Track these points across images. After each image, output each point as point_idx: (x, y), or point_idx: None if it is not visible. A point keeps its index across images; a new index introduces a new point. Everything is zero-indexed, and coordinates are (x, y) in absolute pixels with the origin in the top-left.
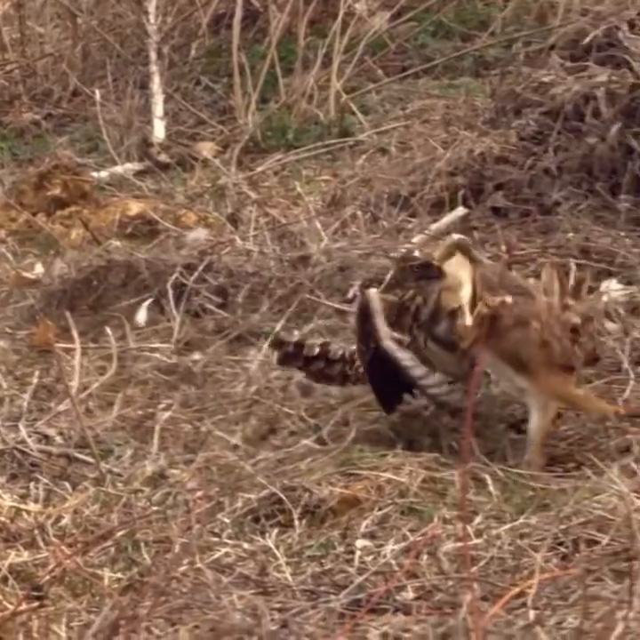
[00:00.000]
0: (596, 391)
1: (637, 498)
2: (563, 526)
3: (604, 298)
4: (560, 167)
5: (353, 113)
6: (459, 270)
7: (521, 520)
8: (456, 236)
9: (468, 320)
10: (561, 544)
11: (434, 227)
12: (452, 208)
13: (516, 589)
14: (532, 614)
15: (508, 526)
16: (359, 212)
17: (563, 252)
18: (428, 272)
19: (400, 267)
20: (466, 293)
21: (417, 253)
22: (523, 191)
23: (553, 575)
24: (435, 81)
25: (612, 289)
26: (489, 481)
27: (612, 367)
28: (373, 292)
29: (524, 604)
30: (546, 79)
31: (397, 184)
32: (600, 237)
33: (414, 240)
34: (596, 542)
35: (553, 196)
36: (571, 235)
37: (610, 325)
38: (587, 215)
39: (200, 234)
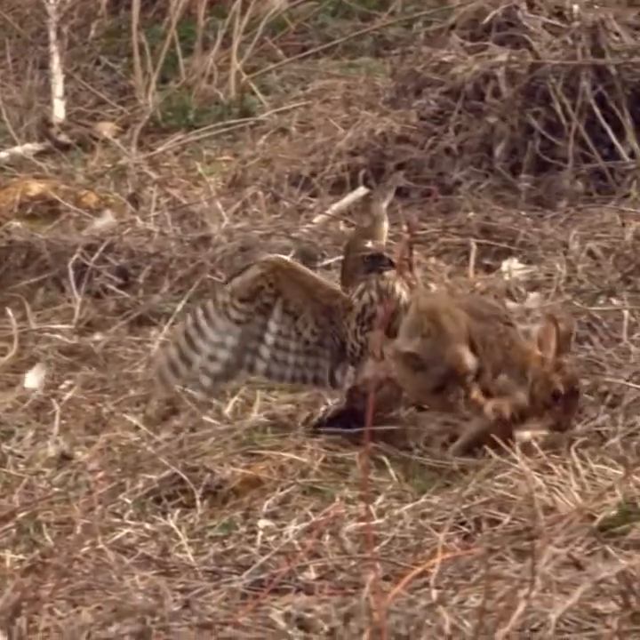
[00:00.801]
0: None
1: (539, 477)
2: (465, 506)
3: (505, 277)
4: (460, 147)
5: (253, 93)
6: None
7: (423, 500)
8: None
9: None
10: (463, 523)
11: (335, 206)
12: (353, 188)
13: (419, 569)
14: (434, 594)
15: (409, 506)
16: (260, 193)
17: (463, 232)
18: (380, 263)
19: (352, 257)
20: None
21: (369, 244)
22: (423, 171)
23: (455, 554)
24: (335, 61)
25: (513, 268)
26: (388, 462)
27: None
28: None
29: (426, 584)
30: (446, 59)
31: (298, 164)
32: (501, 217)
33: (315, 220)
34: (498, 522)
35: (453, 176)
36: (471, 214)
37: (511, 304)
38: (487, 194)
39: (108, 219)
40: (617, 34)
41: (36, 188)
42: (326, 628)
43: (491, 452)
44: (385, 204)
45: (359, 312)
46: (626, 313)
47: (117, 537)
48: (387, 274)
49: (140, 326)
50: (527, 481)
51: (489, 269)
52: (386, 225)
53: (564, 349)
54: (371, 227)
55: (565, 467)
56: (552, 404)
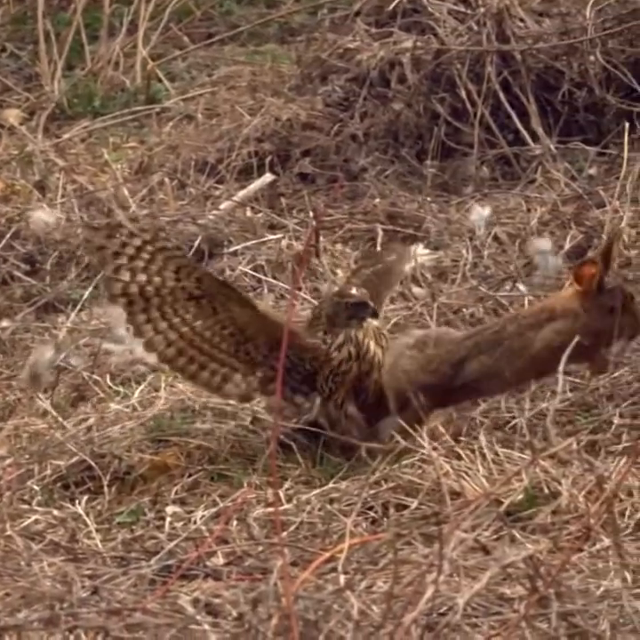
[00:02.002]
0: None
1: (446, 462)
2: (372, 491)
3: (412, 263)
4: (366, 133)
5: (159, 80)
6: None
7: (330, 485)
8: None
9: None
10: (370, 509)
11: (241, 193)
12: (260, 175)
13: (326, 554)
14: (342, 579)
15: (317, 491)
16: (166, 179)
17: (370, 218)
18: (362, 311)
19: (334, 302)
20: None
21: (354, 291)
22: (329, 157)
23: (363, 540)
24: (241, 48)
25: (419, 254)
26: (295, 448)
27: None
28: None
29: (334, 569)
30: (351, 45)
31: (204, 151)
32: (407, 203)
33: (222, 207)
34: (406, 507)
35: (359, 162)
36: (377, 200)
37: (417, 290)
38: (393, 181)
39: (46, 217)
40: (522, 20)
41: None
42: (234, 613)
43: (398, 437)
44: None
45: (335, 365)
46: (526, 299)
47: (25, 523)
48: (365, 325)
49: (47, 313)
50: (434, 466)
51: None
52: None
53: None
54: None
55: (472, 452)
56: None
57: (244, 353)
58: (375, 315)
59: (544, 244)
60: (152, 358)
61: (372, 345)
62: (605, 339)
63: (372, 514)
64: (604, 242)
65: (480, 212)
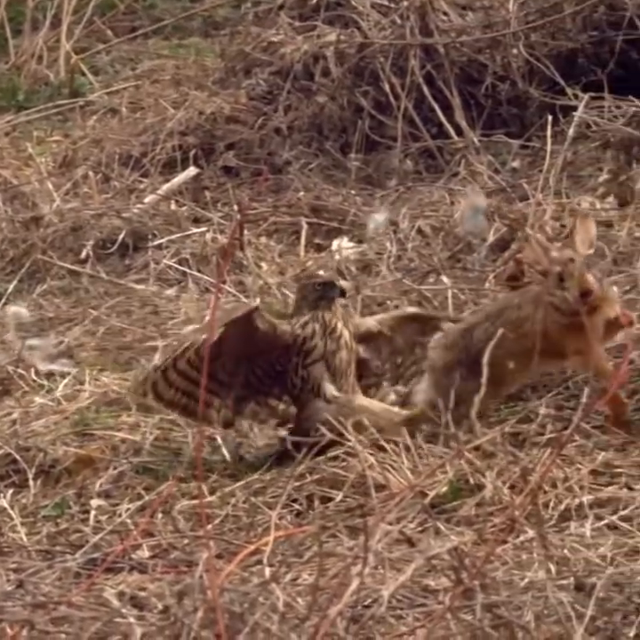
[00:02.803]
0: None
1: (371, 455)
2: (297, 484)
3: (336, 256)
4: (290, 126)
5: (83, 74)
6: None
7: (255, 477)
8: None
9: None
10: (295, 501)
11: (165, 187)
12: (184, 168)
13: (252, 547)
14: (267, 571)
15: (242, 484)
16: (91, 173)
17: (294, 211)
18: (331, 291)
19: (302, 284)
20: None
21: (321, 272)
22: (254, 151)
23: (288, 532)
24: (164, 41)
25: (344, 247)
26: (220, 441)
27: None
28: None
29: (259, 562)
30: (275, 39)
31: (129, 144)
32: (331, 196)
33: (146, 200)
34: (330, 499)
35: (284, 156)
36: (302, 193)
37: (342, 283)
38: (317, 174)
39: None
40: (445, 13)
41: None
42: (160, 606)
43: (323, 430)
44: None
45: (300, 344)
46: (449, 292)
47: None
48: (334, 308)
49: None
50: (359, 459)
51: (320, 248)
52: None
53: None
54: None
55: (397, 444)
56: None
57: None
58: (343, 294)
59: (480, 200)
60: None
61: (340, 325)
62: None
63: (296, 506)
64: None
65: (376, 219)
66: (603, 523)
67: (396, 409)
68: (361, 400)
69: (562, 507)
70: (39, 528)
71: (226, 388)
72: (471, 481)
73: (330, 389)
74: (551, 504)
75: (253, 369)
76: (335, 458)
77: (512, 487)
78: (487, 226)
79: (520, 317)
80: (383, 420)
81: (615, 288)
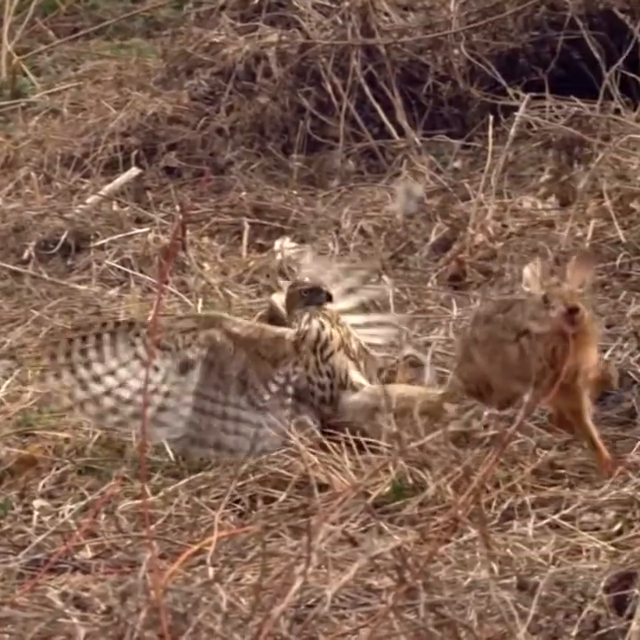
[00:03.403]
0: None
1: (314, 454)
2: (240, 483)
3: (278, 256)
4: (232, 127)
5: (25, 74)
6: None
7: (198, 476)
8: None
9: None
10: (238, 501)
11: (107, 187)
12: (126, 168)
13: (195, 547)
14: (210, 571)
15: (184, 483)
16: (33, 174)
17: (236, 211)
18: (317, 297)
19: (289, 292)
20: None
21: (306, 279)
22: (196, 151)
23: (231, 532)
24: (106, 42)
25: (286, 247)
26: (164, 441)
27: None
28: None
29: (202, 562)
30: (217, 39)
31: (70, 145)
32: (273, 196)
33: (88, 201)
34: (274, 499)
35: (226, 156)
36: (244, 194)
37: (284, 283)
38: (259, 174)
39: None
40: (386, 14)
41: None
42: (103, 606)
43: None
44: None
45: (314, 338)
46: (391, 291)
47: None
48: (320, 311)
49: None
50: (302, 458)
51: (262, 249)
52: None
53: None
54: None
55: (340, 444)
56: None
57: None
58: (330, 299)
59: (417, 189)
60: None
61: (328, 326)
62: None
63: (239, 506)
64: None
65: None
66: (545, 522)
67: (431, 390)
68: (395, 387)
69: (504, 506)
70: None
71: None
72: (414, 481)
73: (357, 378)
74: (494, 503)
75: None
76: (278, 457)
77: (455, 487)
78: (415, 210)
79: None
80: (422, 402)
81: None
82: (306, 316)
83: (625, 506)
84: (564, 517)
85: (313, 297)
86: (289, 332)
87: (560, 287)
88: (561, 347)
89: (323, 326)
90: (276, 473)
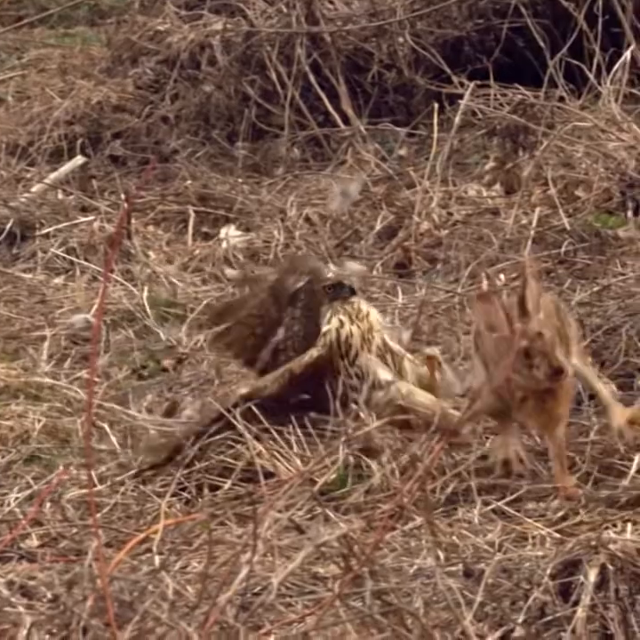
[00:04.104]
0: None
1: (260, 443)
2: (186, 472)
3: (223, 244)
4: (177, 115)
5: None
6: None
7: (147, 462)
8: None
9: None
10: (184, 489)
11: (53, 176)
12: (71, 157)
13: (141, 535)
14: (157, 559)
15: (131, 472)
16: None
17: (181, 200)
18: (340, 291)
19: (316, 291)
20: None
21: (329, 274)
22: (141, 139)
23: (177, 520)
24: (50, 30)
25: (231, 235)
26: (108, 429)
27: None
28: None
29: (149, 550)
30: (161, 28)
31: (15, 134)
32: (218, 184)
33: (33, 189)
34: (219, 487)
35: (171, 144)
36: (189, 182)
37: (229, 271)
38: (204, 162)
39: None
40: (331, 2)
41: None
42: (49, 595)
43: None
44: None
45: (333, 338)
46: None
47: None
48: (348, 305)
49: None
50: (248, 446)
51: (207, 237)
52: None
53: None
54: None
55: (287, 432)
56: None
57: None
58: (353, 292)
59: (353, 187)
60: None
61: (364, 306)
62: None
63: (185, 495)
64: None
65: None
66: (491, 508)
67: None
68: (418, 393)
69: (449, 492)
70: None
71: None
72: (360, 468)
73: (384, 375)
74: (439, 490)
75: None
76: (224, 446)
77: (401, 474)
78: (346, 210)
79: None
80: (441, 419)
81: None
82: (328, 315)
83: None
84: (510, 504)
85: (337, 292)
86: (313, 351)
87: (542, 340)
88: (537, 401)
89: (342, 324)
90: (221, 461)
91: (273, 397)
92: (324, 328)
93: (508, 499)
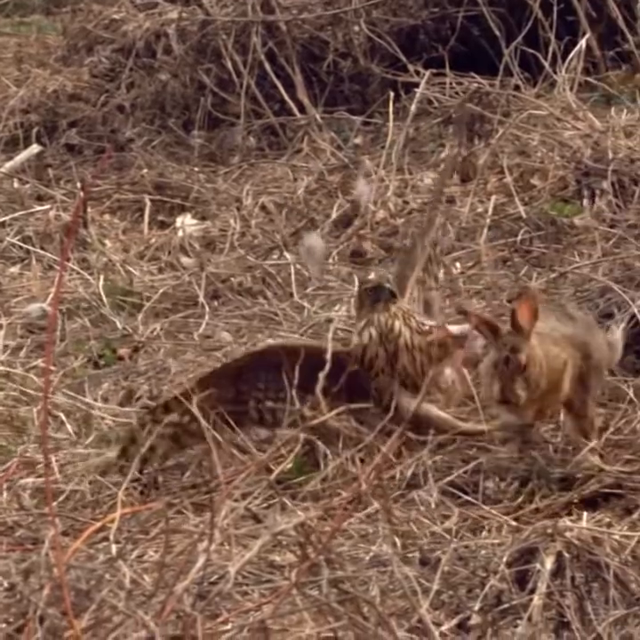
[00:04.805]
0: None
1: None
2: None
3: (179, 233)
4: (133, 104)
5: None
6: None
7: (104, 457)
8: None
9: None
10: (140, 479)
11: (8, 164)
12: (26, 146)
13: (98, 524)
14: (114, 548)
15: (89, 462)
16: None
17: (137, 188)
18: (380, 294)
19: (358, 292)
20: None
21: (371, 276)
22: (96, 128)
23: (134, 509)
24: (6, 19)
25: (187, 224)
26: (64, 418)
27: (189, 301)
28: None
29: (105, 539)
30: (117, 16)
31: None
32: (174, 173)
33: None
34: (176, 477)
35: (126, 133)
36: (145, 171)
37: (186, 260)
38: (160, 151)
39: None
40: None
41: None
42: (6, 583)
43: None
44: None
45: (359, 354)
46: (292, 268)
47: None
48: (392, 308)
49: None
50: (205, 436)
51: (163, 225)
52: None
53: None
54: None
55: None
56: None
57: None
58: (393, 295)
59: (318, 244)
60: None
61: (398, 324)
62: None
63: (141, 484)
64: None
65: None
66: (448, 496)
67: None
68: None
69: (407, 479)
70: None
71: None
72: (317, 456)
73: (404, 399)
74: (397, 478)
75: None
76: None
77: (359, 461)
78: (317, 271)
79: None
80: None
81: None
82: (362, 324)
83: (525, 472)
84: (468, 491)
85: (376, 295)
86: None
87: (505, 366)
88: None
89: (370, 340)
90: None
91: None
92: (354, 339)
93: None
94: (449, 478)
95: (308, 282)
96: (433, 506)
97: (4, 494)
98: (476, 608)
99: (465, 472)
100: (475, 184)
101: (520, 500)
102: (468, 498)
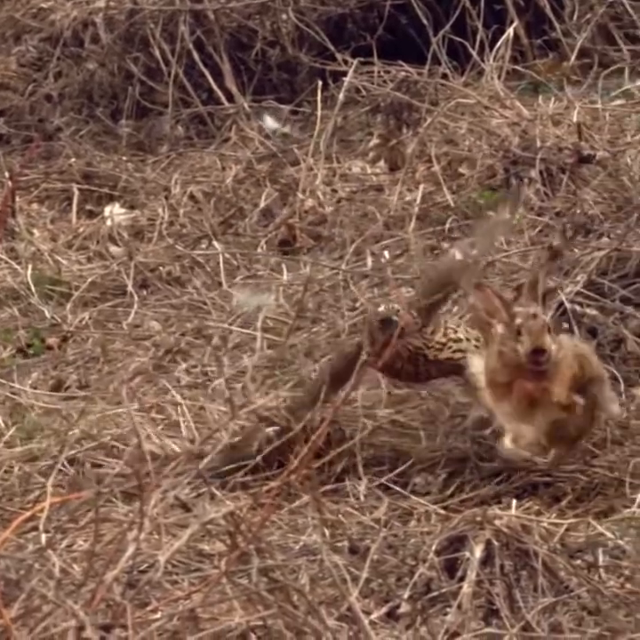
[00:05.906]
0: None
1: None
2: (72, 452)
3: (108, 222)
4: (61, 93)
5: None
6: None
7: (31, 445)
8: None
9: None
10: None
11: None
12: None
13: (27, 513)
14: (43, 538)
15: (18, 451)
16: None
17: (65, 178)
18: (390, 326)
19: (369, 325)
20: None
21: (382, 308)
22: (24, 117)
23: (63, 498)
24: None
25: (116, 213)
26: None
27: (117, 290)
28: None
29: (35, 528)
30: (45, 5)
31: None
32: (102, 162)
33: None
34: (106, 466)
35: (54, 122)
36: (73, 160)
37: (114, 249)
38: (88, 140)
39: None
40: None
41: None
42: None
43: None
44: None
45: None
46: (221, 257)
47: None
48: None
49: None
50: (134, 430)
51: (91, 215)
52: None
53: None
54: None
55: (174, 409)
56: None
57: None
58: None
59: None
60: None
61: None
62: None
63: (71, 472)
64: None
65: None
66: (376, 484)
67: None
68: None
69: (337, 468)
70: None
71: None
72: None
73: None
74: (327, 467)
75: None
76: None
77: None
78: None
79: None
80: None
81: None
82: None
83: (458, 464)
84: (396, 481)
85: (385, 328)
86: None
87: (534, 320)
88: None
89: None
90: (109, 439)
91: None
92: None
93: (395, 475)
94: (377, 483)
95: (236, 271)
96: (362, 498)
97: None
98: (406, 596)
99: (394, 466)
100: (403, 173)
101: (450, 491)
102: (398, 488)
